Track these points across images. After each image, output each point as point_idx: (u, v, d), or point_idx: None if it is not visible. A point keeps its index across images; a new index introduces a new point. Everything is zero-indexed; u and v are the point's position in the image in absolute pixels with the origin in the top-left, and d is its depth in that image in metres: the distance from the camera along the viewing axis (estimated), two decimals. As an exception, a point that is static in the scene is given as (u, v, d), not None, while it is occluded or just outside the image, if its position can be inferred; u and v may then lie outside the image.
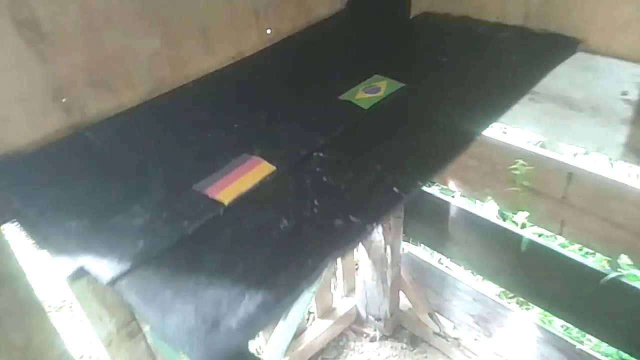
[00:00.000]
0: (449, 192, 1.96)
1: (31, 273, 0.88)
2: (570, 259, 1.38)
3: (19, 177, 0.78)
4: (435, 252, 2.00)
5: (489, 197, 1.49)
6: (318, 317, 2.08)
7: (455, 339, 1.94)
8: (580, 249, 1.84)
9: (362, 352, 2.09)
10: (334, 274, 2.10)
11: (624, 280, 1.28)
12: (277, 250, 0.62)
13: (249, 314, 0.53)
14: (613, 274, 1.28)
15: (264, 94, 0.99)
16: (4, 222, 0.78)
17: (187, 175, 0.75)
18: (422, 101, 0.91)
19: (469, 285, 1.82)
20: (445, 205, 1.65)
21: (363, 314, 2.16)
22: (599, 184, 1.23)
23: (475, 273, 2.01)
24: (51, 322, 0.92)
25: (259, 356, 1.70)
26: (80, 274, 0.62)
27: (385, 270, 1.91)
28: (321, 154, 0.79)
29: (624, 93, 1.05)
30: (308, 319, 2.08)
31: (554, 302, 1.52)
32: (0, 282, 0.82)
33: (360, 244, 1.89)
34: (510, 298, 1.99)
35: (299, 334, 2.01)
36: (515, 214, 1.44)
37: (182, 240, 0.65)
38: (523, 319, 1.70)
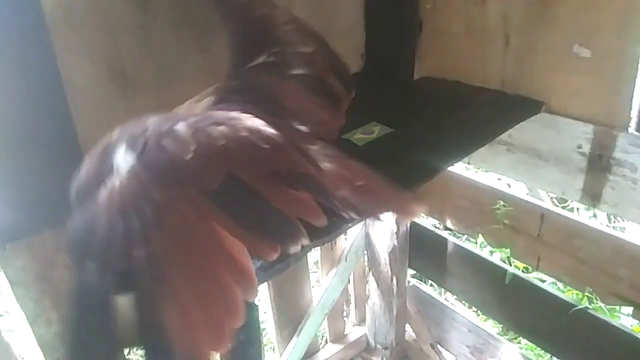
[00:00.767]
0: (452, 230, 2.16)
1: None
2: (546, 291, 1.55)
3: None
4: (437, 286, 2.19)
5: (480, 234, 1.70)
6: (330, 342, 2.27)
7: (455, 370, 2.10)
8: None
9: (369, 379, 2.25)
10: (347, 301, 2.31)
11: (590, 312, 1.44)
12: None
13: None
14: (580, 306, 1.45)
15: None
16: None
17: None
18: (405, 142, 1.17)
19: (464, 317, 1.99)
20: (444, 240, 1.86)
21: (372, 342, 2.33)
22: (565, 224, 1.43)
23: (467, 305, 2.17)
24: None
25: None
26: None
27: (392, 300, 2.11)
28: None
29: (579, 147, 1.28)
30: (320, 342, 2.28)
31: (534, 333, 1.68)
32: None
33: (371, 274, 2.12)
34: (503, 329, 2.13)
35: (311, 353, 2.20)
36: (499, 250, 1.65)
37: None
38: (512, 351, 1.86)
